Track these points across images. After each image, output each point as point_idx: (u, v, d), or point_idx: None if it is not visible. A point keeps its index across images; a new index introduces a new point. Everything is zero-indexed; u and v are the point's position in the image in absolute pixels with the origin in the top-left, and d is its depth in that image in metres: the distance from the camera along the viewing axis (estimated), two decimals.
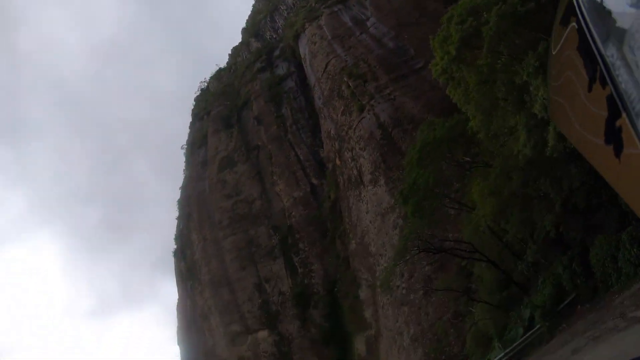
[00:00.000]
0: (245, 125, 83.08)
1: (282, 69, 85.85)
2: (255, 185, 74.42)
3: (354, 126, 53.19)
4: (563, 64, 1.30)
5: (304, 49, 72.54)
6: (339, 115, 56.94)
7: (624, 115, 0.87)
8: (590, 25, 1.00)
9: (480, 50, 21.65)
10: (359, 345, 49.98)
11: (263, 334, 62.59)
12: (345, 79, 56.95)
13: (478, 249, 28.85)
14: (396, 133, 47.93)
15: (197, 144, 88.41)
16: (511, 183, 24.54)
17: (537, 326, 22.49)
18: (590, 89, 1.07)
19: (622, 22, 0.85)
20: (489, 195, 25.21)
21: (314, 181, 70.02)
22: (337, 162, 58.91)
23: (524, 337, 22.98)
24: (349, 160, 53.91)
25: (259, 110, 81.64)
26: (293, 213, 68.66)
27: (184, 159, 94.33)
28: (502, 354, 23.28)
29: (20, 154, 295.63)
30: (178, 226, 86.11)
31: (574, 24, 1.19)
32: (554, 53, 1.35)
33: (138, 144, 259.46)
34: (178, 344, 78.08)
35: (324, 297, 60.76)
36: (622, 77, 0.85)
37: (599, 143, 1.02)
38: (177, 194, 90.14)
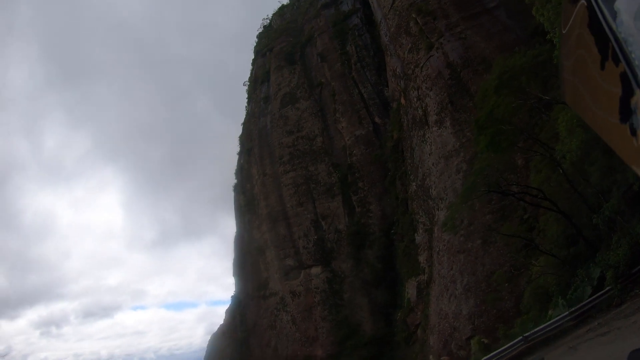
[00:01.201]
0: (308, 62, 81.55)
1: (347, 5, 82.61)
2: (317, 122, 73.67)
3: (421, 64, 50.37)
4: (574, 42, 1.13)
5: None
6: (406, 53, 54.09)
7: (637, 92, 0.88)
8: (600, 2, 0.96)
9: None
10: (410, 290, 49.56)
11: (316, 270, 63.54)
12: (414, 15, 53.50)
13: (548, 197, 26.77)
14: (465, 74, 44.99)
15: (259, 81, 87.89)
16: None
17: (608, 287, 20.69)
18: (603, 67, 0.97)
19: None
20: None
21: (377, 120, 68.40)
22: (402, 101, 56.62)
23: (592, 297, 21.33)
24: (414, 99, 51.54)
25: (323, 47, 79.59)
26: (354, 151, 67.78)
27: (246, 95, 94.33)
28: (567, 312, 21.71)
29: (85, 95, 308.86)
30: (239, 161, 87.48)
31: (583, 1, 1.06)
32: (564, 32, 1.18)
33: (200, 82, 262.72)
34: (234, 276, 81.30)
35: (380, 238, 60.50)
36: (636, 53, 0.89)
37: (614, 122, 0.95)
38: (239, 130, 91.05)
